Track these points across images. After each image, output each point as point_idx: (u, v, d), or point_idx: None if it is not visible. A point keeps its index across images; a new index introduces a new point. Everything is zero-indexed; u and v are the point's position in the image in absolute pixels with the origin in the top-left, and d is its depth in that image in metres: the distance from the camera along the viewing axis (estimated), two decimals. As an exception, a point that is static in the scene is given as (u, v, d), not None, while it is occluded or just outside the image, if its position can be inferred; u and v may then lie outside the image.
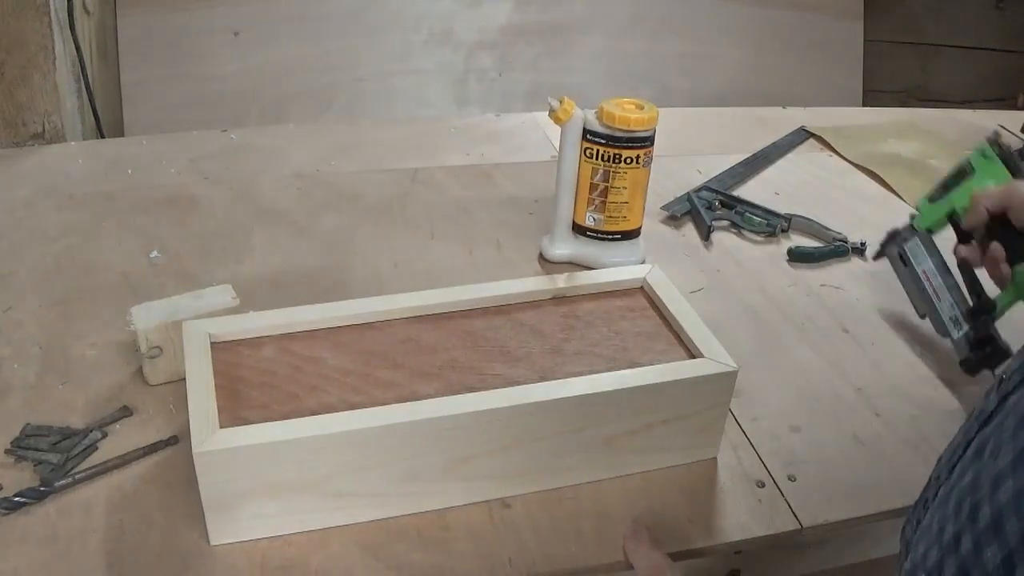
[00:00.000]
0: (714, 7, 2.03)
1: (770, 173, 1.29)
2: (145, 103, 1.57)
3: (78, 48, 1.34)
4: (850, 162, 1.34)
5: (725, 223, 1.16)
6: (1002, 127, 1.51)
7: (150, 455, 0.76)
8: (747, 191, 1.23)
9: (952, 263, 0.93)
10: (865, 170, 1.32)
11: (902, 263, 0.98)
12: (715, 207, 1.18)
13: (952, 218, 0.94)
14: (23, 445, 0.76)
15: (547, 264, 1.05)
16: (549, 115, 0.97)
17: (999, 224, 0.85)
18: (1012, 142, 1.44)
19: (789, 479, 0.79)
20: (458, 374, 0.75)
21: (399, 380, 0.74)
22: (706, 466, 0.79)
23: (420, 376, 0.74)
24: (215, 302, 0.84)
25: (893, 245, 0.99)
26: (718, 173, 1.27)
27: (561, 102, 0.96)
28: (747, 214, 1.16)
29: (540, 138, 1.37)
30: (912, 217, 0.99)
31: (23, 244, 1.04)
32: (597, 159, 0.97)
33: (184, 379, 0.71)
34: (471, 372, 0.75)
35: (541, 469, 0.75)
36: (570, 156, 0.98)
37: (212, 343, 0.75)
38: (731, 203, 1.18)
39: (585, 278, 0.86)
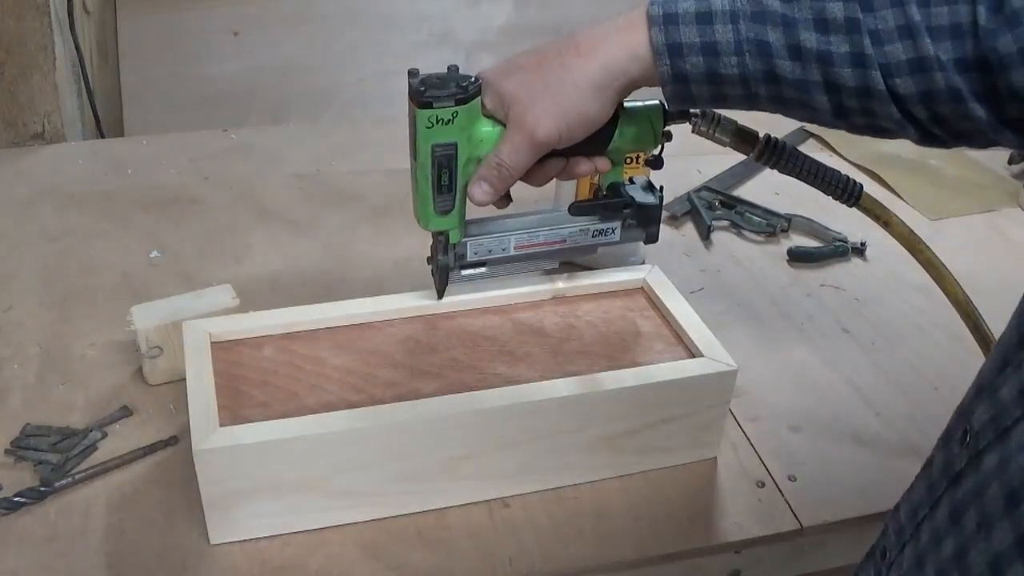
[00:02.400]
0: (714, 7, 2.03)
1: (770, 173, 1.28)
2: (145, 103, 1.57)
3: (78, 48, 1.34)
4: (850, 162, 1.34)
5: (725, 223, 1.16)
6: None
7: (150, 455, 0.76)
8: (747, 191, 1.23)
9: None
10: (865, 170, 1.32)
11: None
12: (715, 207, 1.18)
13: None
14: (23, 445, 0.76)
15: (547, 264, 1.05)
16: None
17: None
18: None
19: (789, 479, 0.79)
20: (458, 374, 0.75)
21: (399, 379, 0.74)
22: (706, 466, 0.79)
23: (420, 375, 0.74)
24: (215, 302, 0.84)
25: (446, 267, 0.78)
26: (718, 173, 1.27)
27: (561, 102, 0.96)
28: (747, 214, 1.16)
29: (540, 138, 1.37)
30: (445, 242, 0.76)
31: (23, 244, 1.04)
32: (597, 159, 0.96)
33: (184, 379, 0.71)
34: (471, 372, 0.75)
35: (541, 469, 0.75)
36: (570, 156, 0.98)
37: (212, 343, 0.75)
38: (731, 203, 1.18)
39: (585, 278, 0.86)
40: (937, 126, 0.61)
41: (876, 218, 0.79)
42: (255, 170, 1.23)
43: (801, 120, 0.65)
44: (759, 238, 1.14)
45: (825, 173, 0.76)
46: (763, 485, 0.78)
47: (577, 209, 0.78)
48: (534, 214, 0.80)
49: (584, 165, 0.73)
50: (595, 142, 0.70)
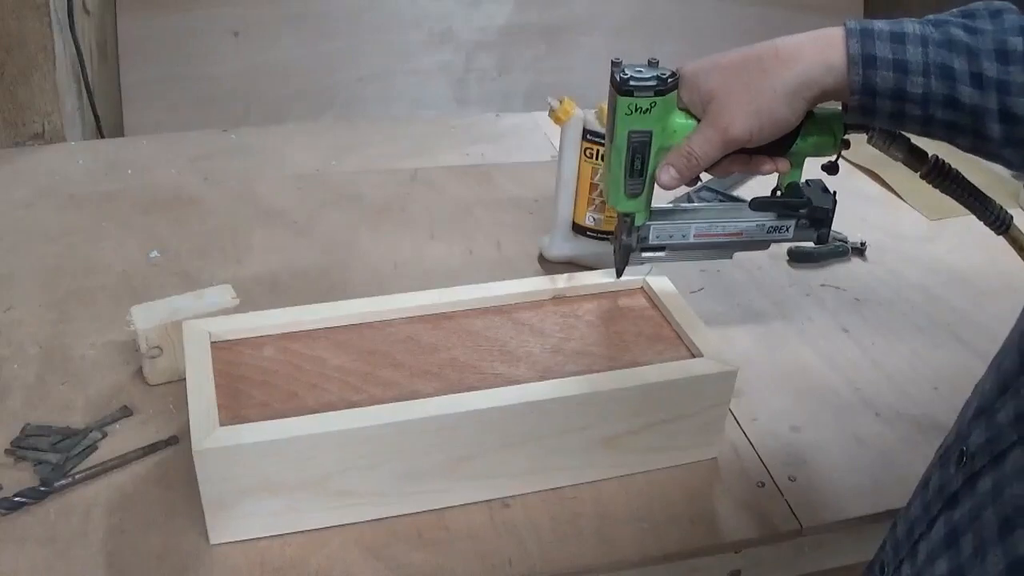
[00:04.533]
0: (714, 7, 2.03)
1: (770, 173, 1.29)
2: (145, 103, 1.57)
3: (78, 48, 1.34)
4: (850, 162, 1.34)
5: (725, 223, 1.16)
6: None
7: (150, 455, 0.76)
8: (747, 191, 1.23)
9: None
10: (865, 170, 1.32)
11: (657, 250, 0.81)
12: (715, 207, 1.18)
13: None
14: (23, 445, 0.76)
15: (547, 264, 1.05)
16: (549, 115, 0.97)
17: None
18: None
19: (789, 479, 0.79)
20: (458, 373, 0.75)
21: (399, 379, 0.74)
22: (706, 466, 0.79)
23: (420, 375, 0.74)
24: (215, 302, 0.84)
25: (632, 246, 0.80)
26: (718, 173, 1.27)
27: (561, 102, 0.96)
28: (747, 214, 1.16)
29: (540, 138, 1.37)
30: (630, 224, 0.79)
31: (23, 244, 1.04)
32: (597, 159, 0.97)
33: (184, 379, 0.71)
34: (471, 371, 0.75)
35: (541, 469, 0.74)
36: (570, 156, 0.98)
37: (212, 343, 0.75)
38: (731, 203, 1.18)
39: (585, 278, 0.86)
40: None
41: (1020, 249, 0.80)
42: (255, 170, 1.23)
43: (965, 149, 0.68)
44: (759, 238, 1.14)
45: (982, 200, 0.78)
46: (763, 485, 0.78)
47: (758, 204, 0.81)
48: (717, 206, 0.84)
49: (767, 164, 0.76)
50: (779, 144, 0.73)
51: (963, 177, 0.78)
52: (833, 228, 1.13)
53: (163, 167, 1.22)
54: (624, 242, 0.80)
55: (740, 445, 0.82)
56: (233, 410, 0.69)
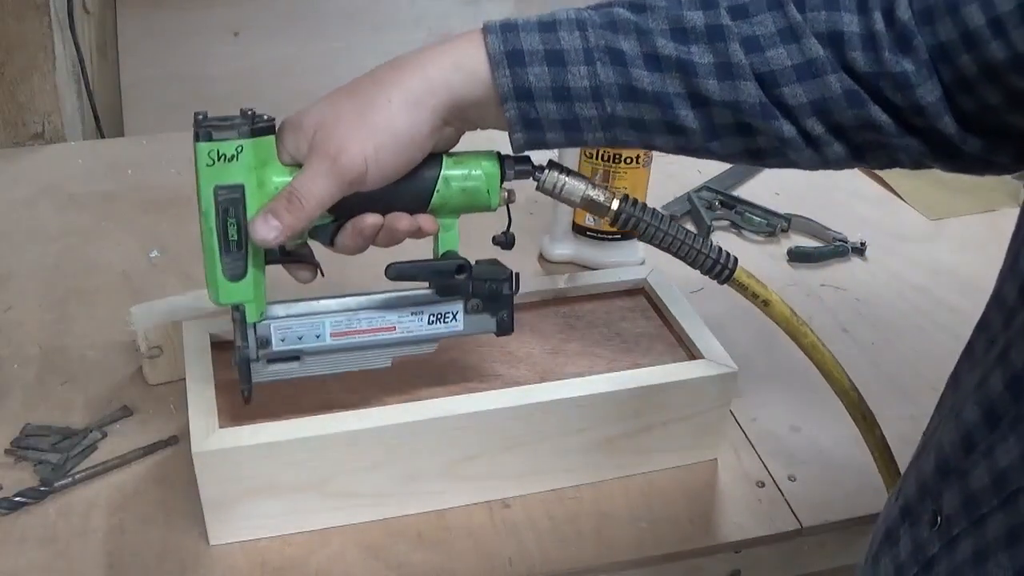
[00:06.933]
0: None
1: (770, 173, 1.29)
2: (145, 103, 1.57)
3: (78, 48, 1.34)
4: (850, 162, 1.34)
5: (725, 223, 1.16)
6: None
7: (150, 455, 0.76)
8: (747, 191, 1.23)
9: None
10: (865, 170, 1.32)
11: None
12: (715, 207, 1.18)
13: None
14: (23, 445, 0.76)
15: (547, 264, 1.05)
16: (549, 115, 0.97)
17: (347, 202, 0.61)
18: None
19: (789, 479, 0.79)
20: (458, 374, 0.75)
21: (399, 380, 0.74)
22: (706, 466, 0.79)
23: (420, 376, 0.74)
24: (215, 302, 0.84)
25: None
26: (718, 173, 1.27)
27: (561, 102, 0.96)
28: (747, 214, 1.16)
29: (540, 138, 1.37)
30: (242, 320, 0.65)
31: (23, 244, 1.04)
32: (597, 159, 0.97)
33: (184, 379, 0.71)
34: (471, 372, 0.75)
35: (541, 469, 0.75)
36: (570, 156, 0.98)
37: (212, 343, 0.75)
38: (731, 203, 1.18)
39: (585, 278, 0.86)
40: (838, 139, 0.56)
41: (754, 297, 0.70)
42: (255, 170, 1.23)
43: (669, 150, 0.59)
44: (759, 238, 1.14)
45: (693, 243, 0.67)
46: (763, 485, 0.78)
47: (397, 271, 0.64)
48: (355, 295, 0.69)
49: (404, 222, 0.62)
50: (414, 193, 0.62)
51: (665, 218, 0.66)
52: (833, 228, 1.14)
53: (163, 167, 1.22)
54: (242, 352, 0.63)
55: (740, 445, 0.82)
56: (233, 411, 0.69)
